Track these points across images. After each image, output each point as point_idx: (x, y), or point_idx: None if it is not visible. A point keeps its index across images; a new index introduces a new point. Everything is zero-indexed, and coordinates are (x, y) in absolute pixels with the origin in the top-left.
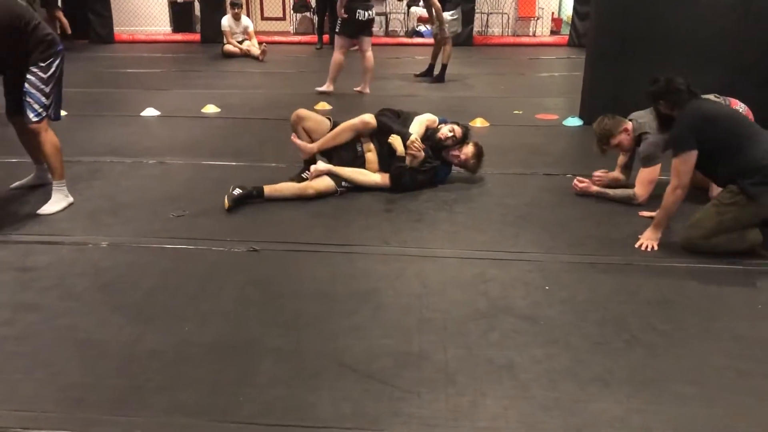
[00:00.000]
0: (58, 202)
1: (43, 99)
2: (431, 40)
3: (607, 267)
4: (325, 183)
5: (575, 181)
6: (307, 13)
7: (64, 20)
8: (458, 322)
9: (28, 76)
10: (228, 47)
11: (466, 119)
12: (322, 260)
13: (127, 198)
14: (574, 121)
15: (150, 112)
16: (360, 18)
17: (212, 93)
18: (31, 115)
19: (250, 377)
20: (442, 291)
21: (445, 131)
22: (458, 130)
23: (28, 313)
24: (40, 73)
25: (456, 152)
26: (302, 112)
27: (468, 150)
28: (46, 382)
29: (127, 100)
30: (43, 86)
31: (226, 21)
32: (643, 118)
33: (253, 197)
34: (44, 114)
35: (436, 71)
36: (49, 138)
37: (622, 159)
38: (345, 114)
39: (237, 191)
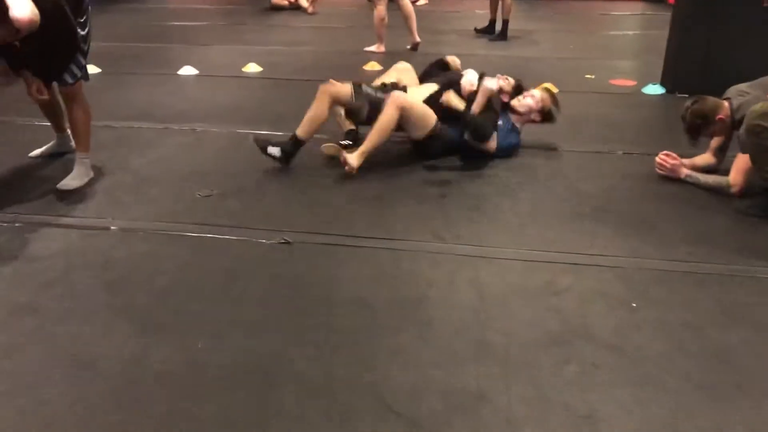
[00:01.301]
0: (80, 176)
1: (81, 59)
2: None
3: (705, 278)
4: (345, 90)
5: (660, 157)
6: None
7: None
8: (524, 348)
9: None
10: (276, 0)
11: (532, 84)
12: (362, 258)
13: (151, 172)
14: (655, 89)
15: (188, 70)
16: None
17: (255, 50)
18: (67, 77)
19: (269, 415)
20: (503, 304)
21: (490, 84)
22: (510, 80)
23: (23, 316)
24: (78, 30)
25: (529, 104)
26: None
27: (543, 95)
28: (27, 412)
29: (165, 56)
30: (81, 44)
31: None
32: (746, 95)
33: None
34: (80, 75)
35: (498, 27)
36: (81, 103)
37: (716, 141)
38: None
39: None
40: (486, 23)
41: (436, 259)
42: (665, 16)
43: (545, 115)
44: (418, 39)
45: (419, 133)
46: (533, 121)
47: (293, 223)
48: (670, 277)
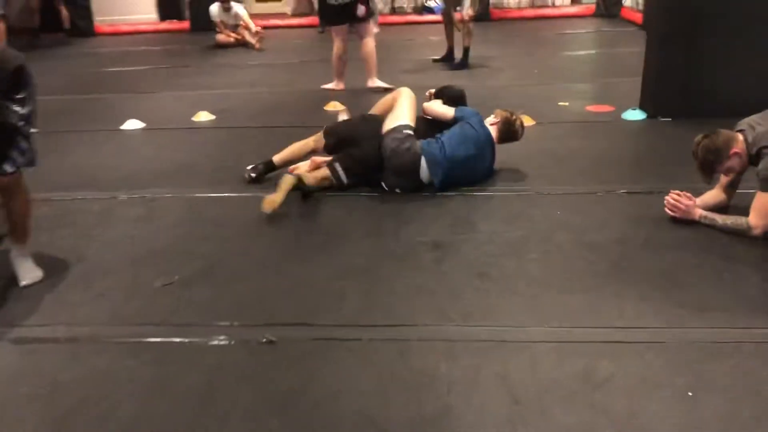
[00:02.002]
0: (31, 273)
1: (23, 142)
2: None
3: (759, 348)
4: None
5: (672, 197)
6: None
7: (65, 12)
8: None
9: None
10: (220, 37)
11: None
12: (362, 356)
13: (100, 257)
14: (635, 114)
15: (133, 124)
16: (331, 2)
17: (205, 95)
18: (6, 165)
19: None
20: (541, 410)
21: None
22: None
23: None
24: (17, 108)
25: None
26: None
27: (499, 112)
28: None
29: (106, 109)
30: (21, 125)
31: (215, 10)
32: (759, 126)
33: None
34: (22, 162)
35: (458, 55)
36: (22, 193)
37: (726, 177)
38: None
39: (252, 174)
40: (443, 51)
41: (451, 351)
42: (623, 32)
43: (502, 131)
44: (376, 84)
45: (388, 124)
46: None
47: (274, 312)
48: (721, 352)
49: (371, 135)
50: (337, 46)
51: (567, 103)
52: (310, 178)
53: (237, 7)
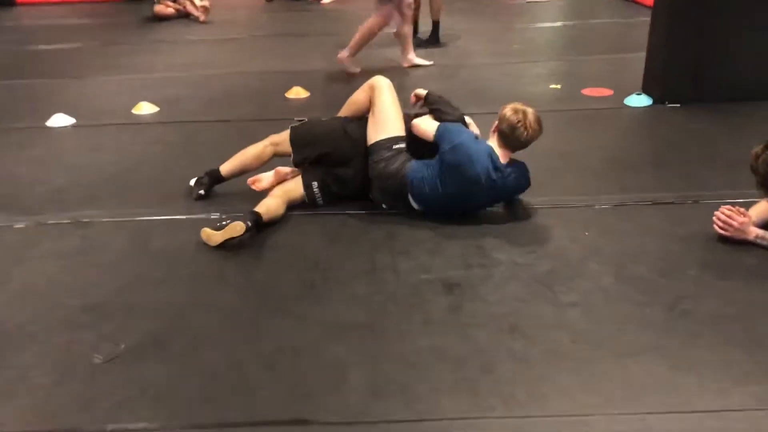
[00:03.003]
0: None
1: None
2: None
3: None
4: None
5: (722, 213)
6: None
7: None
8: None
9: None
10: (158, 8)
11: (493, 104)
12: None
13: (18, 316)
14: (640, 100)
15: (61, 120)
16: None
17: (145, 80)
18: None
19: None
20: None
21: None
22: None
23: None
24: None
25: None
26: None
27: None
28: None
29: (28, 98)
30: None
31: None
32: None
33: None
34: None
35: (423, 30)
36: None
37: None
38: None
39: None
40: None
41: None
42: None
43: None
44: (412, 61)
45: (373, 135)
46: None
47: (256, 402)
48: None
49: (359, 151)
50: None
51: (559, 86)
52: (273, 207)
53: None
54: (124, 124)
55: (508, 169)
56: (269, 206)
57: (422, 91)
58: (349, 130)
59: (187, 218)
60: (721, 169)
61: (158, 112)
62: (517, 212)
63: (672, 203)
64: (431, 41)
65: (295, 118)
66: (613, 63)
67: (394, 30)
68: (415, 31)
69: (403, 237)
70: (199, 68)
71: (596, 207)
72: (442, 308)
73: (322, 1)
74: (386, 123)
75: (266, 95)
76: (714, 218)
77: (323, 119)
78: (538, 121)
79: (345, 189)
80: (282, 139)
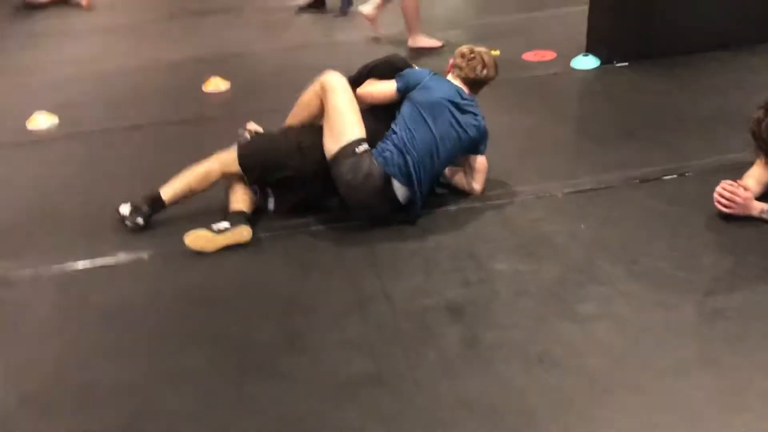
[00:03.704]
0: None
1: None
2: None
3: None
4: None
5: (723, 191)
6: None
7: None
8: None
9: None
10: None
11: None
12: None
13: None
14: (587, 62)
15: None
16: None
17: (34, 83)
18: None
19: None
20: None
21: None
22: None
23: None
24: None
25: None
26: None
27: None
28: None
29: None
30: None
31: None
32: None
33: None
34: None
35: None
36: None
37: None
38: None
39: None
40: None
41: None
42: None
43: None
44: (418, 43)
45: (331, 146)
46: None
47: None
48: None
49: (320, 168)
50: None
51: (498, 51)
52: (249, 198)
53: None
54: (18, 143)
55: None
56: (245, 201)
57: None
58: (305, 149)
59: (127, 260)
60: (693, 131)
61: (58, 123)
62: (499, 207)
63: (659, 179)
64: (342, 10)
65: (242, 131)
66: (546, 21)
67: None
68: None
69: (386, 252)
70: (93, 64)
71: (583, 192)
72: (456, 342)
73: None
74: (343, 129)
75: (179, 90)
76: (715, 196)
77: (273, 133)
78: (493, 58)
79: (306, 203)
80: (230, 159)
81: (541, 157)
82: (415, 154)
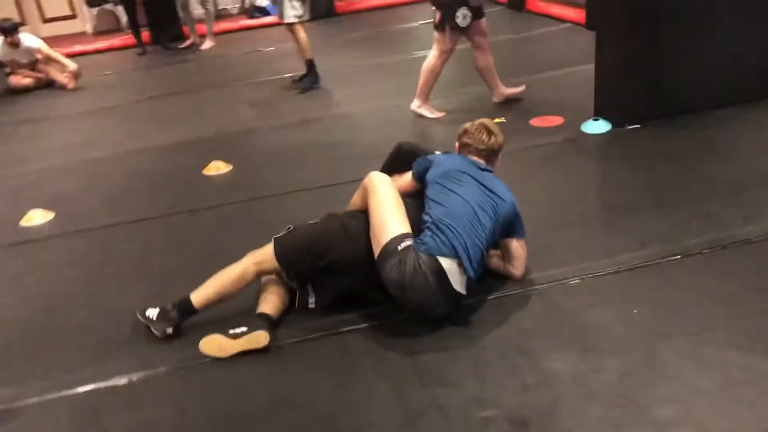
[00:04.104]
0: None
1: None
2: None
3: None
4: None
5: None
6: (108, 5)
7: None
8: None
9: None
10: (15, 79)
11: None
12: None
13: None
14: (598, 126)
15: None
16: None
17: (24, 176)
18: None
19: None
20: None
21: None
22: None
23: None
24: None
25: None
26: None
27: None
28: None
29: None
30: None
31: (1, 51)
32: None
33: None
34: None
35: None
36: None
37: None
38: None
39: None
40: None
41: None
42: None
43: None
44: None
45: (375, 246)
46: None
47: None
48: None
49: (365, 253)
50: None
51: (503, 119)
52: (279, 302)
53: (27, 40)
54: (12, 244)
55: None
56: (274, 303)
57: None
58: (350, 232)
59: (143, 375)
60: (726, 197)
61: (53, 219)
62: (541, 293)
63: (701, 253)
64: (308, 84)
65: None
66: (546, 84)
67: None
68: (313, 70)
69: (430, 354)
70: (85, 150)
71: (625, 271)
72: None
73: (202, 48)
74: (385, 226)
75: (180, 176)
76: None
77: (313, 222)
78: (496, 125)
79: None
80: (265, 256)
81: (570, 232)
82: (451, 222)
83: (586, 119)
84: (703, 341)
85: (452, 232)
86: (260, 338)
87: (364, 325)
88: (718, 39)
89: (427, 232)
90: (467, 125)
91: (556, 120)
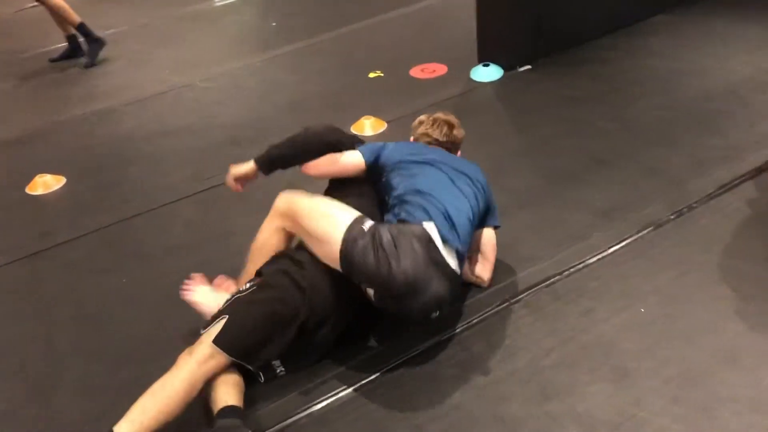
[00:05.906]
0: None
1: None
2: None
3: None
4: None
5: None
6: None
7: None
8: None
9: None
10: None
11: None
12: None
13: None
14: (490, 72)
15: None
16: None
17: None
18: None
19: None
20: None
21: None
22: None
23: None
24: None
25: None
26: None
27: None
28: None
29: None
30: None
31: None
32: None
33: None
34: None
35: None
36: None
37: None
38: None
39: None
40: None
41: None
42: None
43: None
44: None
45: (328, 255)
46: None
47: None
48: None
49: (329, 287)
50: None
51: (381, 73)
52: (239, 391)
53: None
54: None
55: None
56: (232, 392)
57: (244, 167)
58: (301, 282)
59: None
60: (660, 145)
61: None
62: (531, 303)
63: (670, 220)
64: (89, 56)
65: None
66: (406, 24)
67: None
68: (76, 45)
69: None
70: None
71: (606, 257)
72: None
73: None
74: (333, 223)
75: None
76: None
77: (242, 292)
78: (452, 117)
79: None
80: (211, 352)
81: (523, 213)
82: (425, 189)
83: (471, 65)
84: (722, 341)
85: (427, 200)
86: None
87: (344, 392)
88: None
89: (396, 209)
90: (422, 117)
91: (439, 68)
